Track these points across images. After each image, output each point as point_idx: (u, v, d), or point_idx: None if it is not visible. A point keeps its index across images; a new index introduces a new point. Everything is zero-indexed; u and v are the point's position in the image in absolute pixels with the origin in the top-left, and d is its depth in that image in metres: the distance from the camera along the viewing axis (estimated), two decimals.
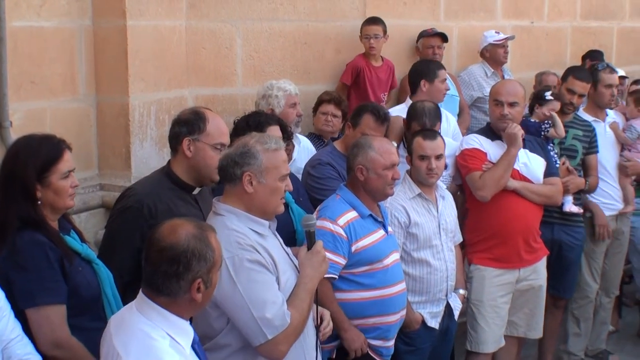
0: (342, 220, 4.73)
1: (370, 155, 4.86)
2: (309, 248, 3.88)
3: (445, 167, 5.92)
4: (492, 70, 8.21)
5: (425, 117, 5.80)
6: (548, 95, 6.41)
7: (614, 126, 6.98)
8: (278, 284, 3.69)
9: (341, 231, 4.69)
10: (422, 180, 5.36)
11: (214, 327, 3.67)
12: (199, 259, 2.97)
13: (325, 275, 4.31)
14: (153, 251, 2.99)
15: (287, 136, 5.17)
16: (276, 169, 3.75)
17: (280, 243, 3.89)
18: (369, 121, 5.65)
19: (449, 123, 6.68)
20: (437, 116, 5.89)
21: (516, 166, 5.86)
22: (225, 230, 3.63)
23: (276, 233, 3.91)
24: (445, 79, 6.64)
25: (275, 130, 5.02)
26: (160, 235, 3.00)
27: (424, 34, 7.78)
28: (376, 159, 4.85)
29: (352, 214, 4.79)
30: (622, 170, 6.99)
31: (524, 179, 5.91)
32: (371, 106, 5.83)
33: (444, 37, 7.77)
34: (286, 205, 4.89)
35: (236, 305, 3.59)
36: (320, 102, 6.65)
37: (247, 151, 3.72)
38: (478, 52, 8.30)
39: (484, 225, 5.92)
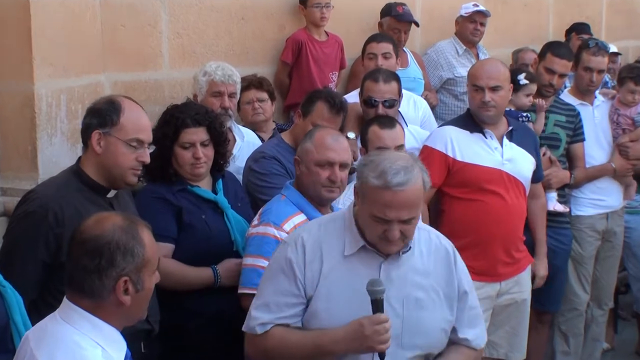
0: (288, 226, 4.69)
1: (306, 146, 4.86)
2: None
3: None
4: (465, 47, 8.25)
5: (379, 72, 6.06)
6: (522, 79, 6.43)
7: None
8: (309, 303, 3.90)
9: None
10: None
11: None
12: (124, 254, 3.03)
13: None
14: (74, 244, 3.07)
15: (220, 140, 5.17)
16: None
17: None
18: (322, 110, 5.67)
19: (416, 109, 6.77)
20: (393, 75, 6.08)
21: (499, 165, 5.88)
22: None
23: None
24: (375, 55, 6.80)
25: (194, 134, 5.02)
26: (83, 227, 3.08)
27: (394, 14, 7.74)
28: (309, 151, 4.83)
29: (300, 218, 4.75)
30: (623, 153, 6.98)
31: (509, 178, 5.93)
32: (325, 93, 5.86)
33: (416, 24, 7.83)
34: (222, 212, 4.98)
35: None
36: None
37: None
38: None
39: (460, 232, 5.81)
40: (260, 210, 4.90)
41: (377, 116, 5.75)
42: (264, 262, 4.54)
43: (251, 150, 5.98)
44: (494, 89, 5.86)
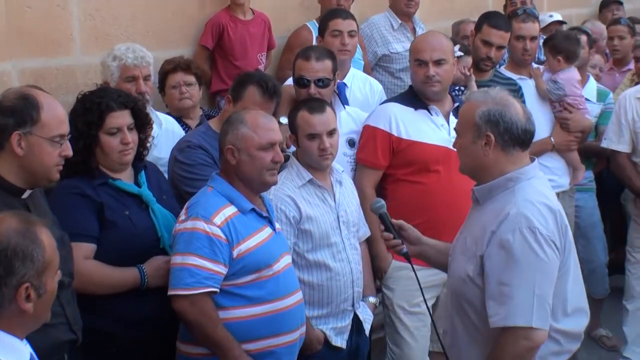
0: (218, 219, 4.72)
1: (242, 132, 4.87)
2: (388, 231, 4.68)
3: (354, 144, 6.01)
4: (400, 21, 8.29)
5: (311, 50, 6.11)
6: (456, 51, 6.50)
7: (536, 72, 7.14)
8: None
9: (219, 232, 4.67)
10: (314, 164, 5.45)
11: None
12: (23, 260, 3.03)
13: (204, 290, 4.48)
14: None
15: (143, 122, 5.12)
16: None
17: None
18: (253, 95, 5.66)
19: (373, 92, 6.86)
20: (327, 53, 6.11)
21: (446, 143, 5.83)
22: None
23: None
24: (341, 32, 6.76)
25: (121, 117, 4.96)
26: None
27: None
28: (248, 137, 4.85)
29: (231, 210, 4.79)
30: (564, 126, 7.12)
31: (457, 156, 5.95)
32: (257, 76, 5.84)
33: None
34: (146, 206, 4.95)
35: None
36: (164, 75, 6.59)
37: None
38: None
39: (405, 216, 5.89)
40: (187, 204, 4.90)
41: (306, 100, 5.76)
42: (195, 260, 4.59)
43: (170, 139, 6.01)
44: (438, 62, 5.94)
